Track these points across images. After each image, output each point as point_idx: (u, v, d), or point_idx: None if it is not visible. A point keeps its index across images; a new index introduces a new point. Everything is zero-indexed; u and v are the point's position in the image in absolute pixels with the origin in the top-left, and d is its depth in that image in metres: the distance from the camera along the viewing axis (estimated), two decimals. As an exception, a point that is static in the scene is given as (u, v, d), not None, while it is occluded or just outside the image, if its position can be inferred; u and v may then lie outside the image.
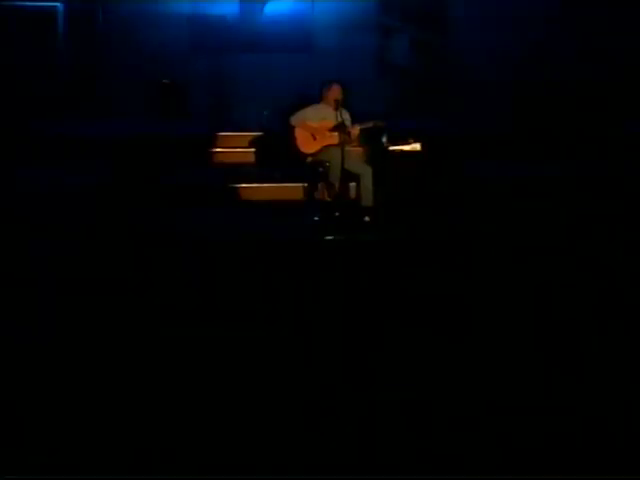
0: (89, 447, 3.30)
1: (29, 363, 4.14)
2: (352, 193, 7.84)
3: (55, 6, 10.87)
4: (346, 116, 7.79)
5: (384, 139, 7.80)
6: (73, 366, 4.11)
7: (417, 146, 7.74)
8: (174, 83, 10.55)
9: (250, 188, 8.32)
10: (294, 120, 7.80)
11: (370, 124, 7.78)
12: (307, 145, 7.79)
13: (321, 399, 3.72)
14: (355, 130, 7.78)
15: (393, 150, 7.80)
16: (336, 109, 7.70)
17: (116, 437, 3.38)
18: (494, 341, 4.47)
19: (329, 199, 7.77)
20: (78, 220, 7.09)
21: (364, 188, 7.61)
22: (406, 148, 7.75)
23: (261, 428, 3.46)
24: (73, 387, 3.85)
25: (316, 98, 7.96)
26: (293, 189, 8.15)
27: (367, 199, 7.60)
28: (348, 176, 7.65)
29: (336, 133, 7.67)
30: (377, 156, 7.96)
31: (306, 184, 8.00)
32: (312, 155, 7.79)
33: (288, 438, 3.38)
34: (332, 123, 7.72)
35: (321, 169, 7.76)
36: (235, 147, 9.13)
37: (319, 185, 7.89)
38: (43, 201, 7.50)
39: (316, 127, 7.76)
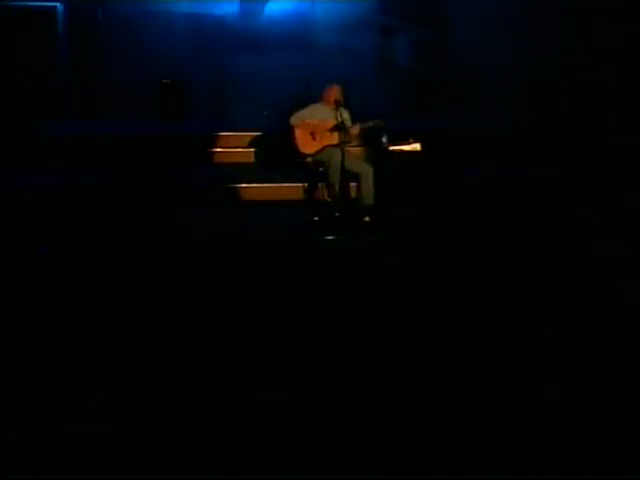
0: (89, 446, 3.30)
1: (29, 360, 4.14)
2: (352, 193, 7.83)
3: (55, 6, 10.91)
4: (346, 116, 7.78)
5: (384, 139, 7.80)
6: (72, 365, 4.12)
7: (417, 146, 7.73)
8: (174, 83, 10.57)
9: (250, 188, 8.31)
10: (294, 120, 7.80)
11: (370, 124, 7.77)
12: (307, 145, 7.79)
13: (320, 399, 3.72)
14: (355, 130, 7.77)
15: (393, 150, 7.79)
16: (336, 109, 7.70)
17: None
18: (495, 341, 4.47)
19: (329, 199, 7.76)
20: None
21: (364, 188, 7.60)
22: (406, 148, 7.74)
23: (259, 429, 3.46)
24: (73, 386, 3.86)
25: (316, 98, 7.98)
26: (293, 189, 8.14)
27: (367, 199, 7.60)
28: (348, 176, 7.63)
29: (336, 133, 7.66)
30: (377, 156, 7.96)
31: (306, 184, 8.00)
32: (312, 155, 7.79)
33: (286, 438, 3.39)
34: (332, 123, 7.71)
35: (321, 169, 7.76)
36: (235, 147, 9.13)
37: (319, 185, 7.89)
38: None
39: (316, 127, 7.76)
